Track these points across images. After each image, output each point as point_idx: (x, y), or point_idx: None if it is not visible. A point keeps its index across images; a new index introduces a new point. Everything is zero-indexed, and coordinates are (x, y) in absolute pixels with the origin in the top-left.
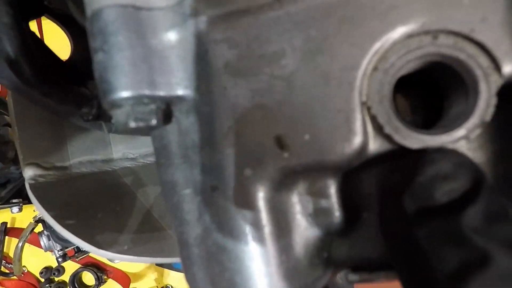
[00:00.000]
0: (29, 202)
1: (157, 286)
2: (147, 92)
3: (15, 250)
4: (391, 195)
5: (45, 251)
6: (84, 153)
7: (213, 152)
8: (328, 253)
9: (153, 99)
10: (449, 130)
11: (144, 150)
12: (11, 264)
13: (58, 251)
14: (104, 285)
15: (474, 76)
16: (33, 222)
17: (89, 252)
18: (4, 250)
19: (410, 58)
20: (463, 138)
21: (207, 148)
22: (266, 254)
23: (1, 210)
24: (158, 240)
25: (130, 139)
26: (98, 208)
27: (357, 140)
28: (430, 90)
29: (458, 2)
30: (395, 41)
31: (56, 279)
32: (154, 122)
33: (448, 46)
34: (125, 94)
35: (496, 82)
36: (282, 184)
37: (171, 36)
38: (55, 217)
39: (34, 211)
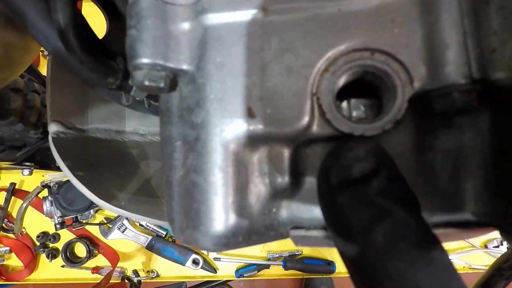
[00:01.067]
0: (40, 168)
1: (143, 269)
2: (160, 62)
3: (18, 210)
4: (323, 170)
5: (46, 215)
6: (101, 121)
7: (201, 112)
8: (276, 209)
9: (164, 68)
10: (371, 123)
11: (153, 129)
12: (12, 223)
13: (58, 217)
14: (93, 259)
15: (395, 85)
16: (40, 186)
17: (83, 225)
18: (8, 209)
19: (353, 66)
20: (379, 128)
21: (197, 109)
22: (225, 192)
23: (13, 171)
24: (151, 205)
25: (143, 117)
26: (105, 168)
27: (305, 119)
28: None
29: (391, 31)
30: (343, 52)
31: (51, 245)
32: (162, 85)
33: (380, 61)
34: (145, 60)
35: (408, 92)
36: (247, 144)
37: (185, 25)
38: (68, 167)
39: (43, 176)
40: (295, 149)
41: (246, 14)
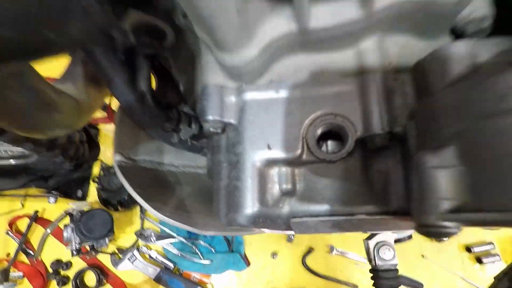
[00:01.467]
0: (64, 197)
1: None
2: (218, 118)
3: (42, 235)
4: None
5: (65, 241)
6: (146, 154)
7: (240, 147)
8: (282, 205)
9: (221, 122)
10: (335, 153)
11: (186, 162)
12: (30, 248)
13: (76, 243)
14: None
15: (347, 134)
16: (64, 213)
17: (97, 254)
18: (27, 235)
19: (325, 123)
20: (339, 156)
21: (238, 145)
22: (253, 191)
23: (37, 199)
24: (187, 218)
25: (177, 152)
26: (151, 190)
27: (298, 151)
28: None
29: (344, 104)
30: (319, 115)
31: (62, 272)
32: (219, 131)
33: (340, 121)
34: (210, 117)
35: (354, 137)
36: (266, 165)
37: (232, 98)
38: (130, 185)
39: (68, 204)
40: (293, 168)
41: (268, 94)
